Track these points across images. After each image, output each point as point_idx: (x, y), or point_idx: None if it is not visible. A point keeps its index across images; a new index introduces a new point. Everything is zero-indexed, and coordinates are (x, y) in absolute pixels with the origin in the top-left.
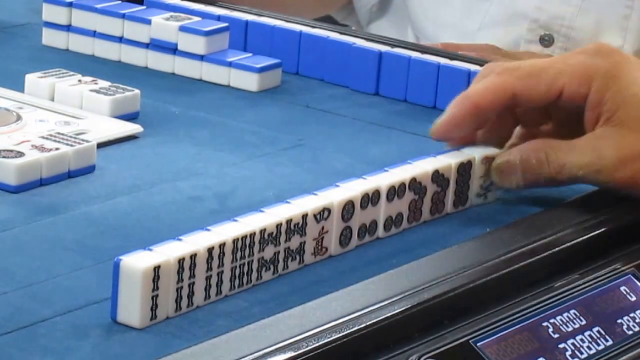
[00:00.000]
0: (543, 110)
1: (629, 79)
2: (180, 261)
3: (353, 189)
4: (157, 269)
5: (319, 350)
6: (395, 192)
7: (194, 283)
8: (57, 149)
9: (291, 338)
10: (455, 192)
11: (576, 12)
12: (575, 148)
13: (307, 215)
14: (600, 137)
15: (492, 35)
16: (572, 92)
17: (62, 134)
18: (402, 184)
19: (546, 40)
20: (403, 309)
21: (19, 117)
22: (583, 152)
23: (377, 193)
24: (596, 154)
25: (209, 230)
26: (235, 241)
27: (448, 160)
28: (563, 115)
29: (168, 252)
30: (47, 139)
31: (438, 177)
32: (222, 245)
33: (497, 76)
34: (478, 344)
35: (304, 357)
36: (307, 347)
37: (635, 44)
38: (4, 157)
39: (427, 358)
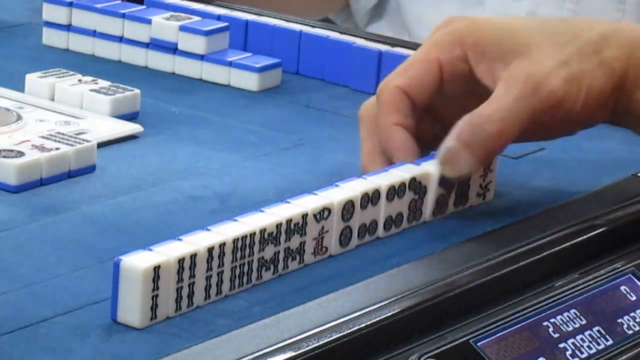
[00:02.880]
0: (430, 115)
1: (491, 21)
2: (181, 261)
3: (353, 188)
4: (157, 268)
5: (319, 350)
6: (395, 191)
7: (194, 283)
8: (57, 148)
9: (291, 338)
10: (455, 192)
11: (569, 14)
12: (499, 94)
13: (307, 215)
14: (512, 72)
15: None
16: (449, 60)
17: (63, 134)
18: (402, 184)
19: None
20: (403, 309)
21: (19, 117)
22: (509, 89)
23: (377, 193)
24: (521, 81)
25: (209, 230)
26: (235, 241)
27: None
28: (451, 108)
29: (168, 252)
30: (47, 138)
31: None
32: (222, 245)
33: (379, 96)
34: (478, 344)
35: (304, 357)
36: (307, 347)
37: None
38: (4, 157)
39: (427, 358)
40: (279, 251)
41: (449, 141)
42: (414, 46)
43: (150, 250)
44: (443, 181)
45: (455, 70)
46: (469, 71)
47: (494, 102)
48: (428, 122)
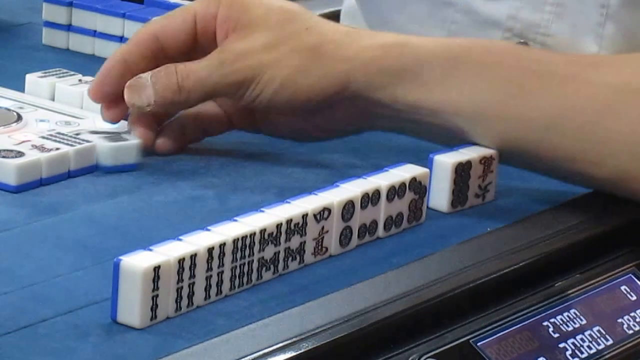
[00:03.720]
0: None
1: None
2: (181, 261)
3: (353, 189)
4: (157, 269)
5: (319, 350)
6: (395, 191)
7: (194, 283)
8: (57, 148)
9: (291, 338)
10: (453, 192)
11: (551, 18)
12: (203, 58)
13: (307, 215)
14: (227, 44)
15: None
16: (203, 14)
17: (63, 134)
18: (403, 184)
19: None
20: (403, 309)
21: (19, 117)
22: (210, 57)
23: (377, 193)
24: (221, 51)
25: (209, 230)
26: (235, 241)
27: (447, 161)
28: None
29: (168, 252)
30: (47, 139)
31: (463, 170)
32: (222, 245)
33: (142, 26)
34: (478, 344)
35: (304, 357)
36: (307, 347)
37: (611, 49)
38: (3, 157)
39: (427, 358)
40: (279, 251)
41: (145, 73)
42: None
43: (150, 250)
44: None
45: (207, 26)
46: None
47: (194, 63)
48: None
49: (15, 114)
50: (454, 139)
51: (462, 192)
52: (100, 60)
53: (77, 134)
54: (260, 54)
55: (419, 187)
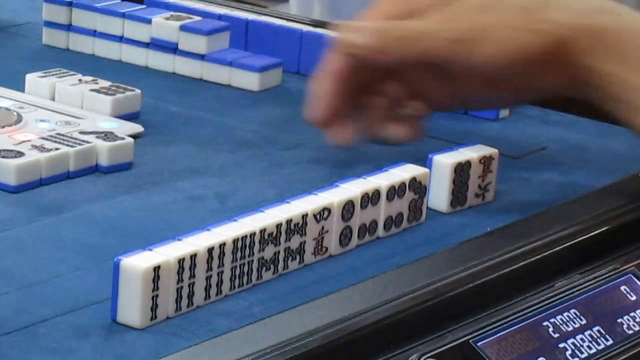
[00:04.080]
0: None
1: None
2: (180, 261)
3: (353, 189)
4: (157, 269)
5: (319, 350)
6: (395, 191)
7: (194, 283)
8: (57, 149)
9: (291, 338)
10: (453, 192)
11: None
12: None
13: (307, 215)
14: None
15: None
16: None
17: (62, 134)
18: (402, 184)
19: None
20: (403, 309)
21: (19, 117)
22: (429, 17)
23: (377, 193)
24: (438, 13)
25: (209, 230)
26: (235, 241)
27: (446, 161)
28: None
29: (168, 252)
30: (47, 139)
31: (462, 170)
32: (222, 246)
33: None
34: (478, 344)
35: (304, 357)
36: (307, 347)
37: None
38: (3, 157)
39: (427, 358)
40: (279, 251)
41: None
42: None
43: (150, 250)
44: None
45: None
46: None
47: (415, 22)
48: (393, 86)
49: (15, 114)
50: None
51: (462, 192)
52: (100, 60)
53: (76, 134)
54: (477, 14)
55: (419, 187)
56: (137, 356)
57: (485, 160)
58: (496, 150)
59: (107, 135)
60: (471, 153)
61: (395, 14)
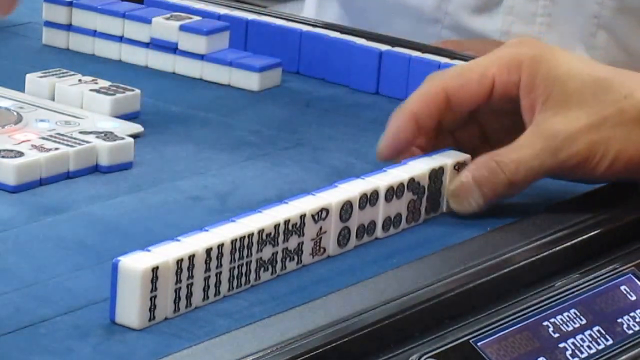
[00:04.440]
0: (475, 124)
1: (557, 60)
2: (179, 262)
3: (351, 189)
4: (155, 270)
5: (319, 350)
6: (394, 192)
7: (192, 284)
8: (56, 149)
9: (291, 338)
10: (427, 199)
11: (543, 30)
12: (523, 143)
13: (305, 215)
14: (543, 123)
15: None
16: (503, 82)
17: (62, 134)
18: (401, 184)
19: None
20: (403, 309)
21: (19, 117)
22: (532, 142)
23: (375, 193)
24: (546, 137)
25: (207, 231)
26: (233, 242)
27: (444, 160)
28: (495, 124)
29: (166, 253)
30: (47, 139)
31: (436, 176)
32: (220, 246)
33: (428, 81)
34: (478, 344)
35: (304, 357)
36: (307, 347)
37: (603, 59)
38: (3, 157)
39: (427, 358)
40: (277, 252)
41: (464, 175)
42: (414, 46)
43: (149, 251)
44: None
45: (506, 93)
46: (517, 97)
47: (514, 151)
48: (470, 132)
49: (15, 113)
50: None
51: (435, 199)
52: (100, 60)
53: (76, 134)
54: (588, 134)
55: (417, 188)
56: (137, 356)
57: (460, 166)
58: (469, 156)
59: (107, 135)
60: (445, 159)
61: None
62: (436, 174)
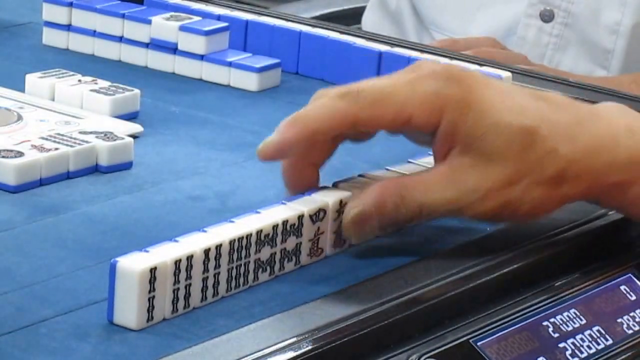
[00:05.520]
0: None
1: (485, 106)
2: (177, 263)
3: (349, 189)
4: (153, 270)
5: (319, 350)
6: None
7: (190, 284)
8: (56, 149)
9: (291, 338)
10: None
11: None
12: (433, 185)
13: (303, 216)
14: (458, 170)
15: (492, 14)
16: (421, 122)
17: (62, 134)
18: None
19: (546, 16)
20: (403, 309)
21: (19, 117)
22: (443, 188)
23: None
24: (457, 189)
25: (205, 231)
26: (231, 242)
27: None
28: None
29: (164, 254)
30: (47, 139)
31: None
32: (218, 247)
33: (339, 100)
34: (478, 344)
35: (304, 357)
36: (307, 347)
37: (634, 18)
38: (3, 157)
39: (427, 358)
40: (275, 252)
41: (367, 203)
42: (413, 46)
43: (147, 251)
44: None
45: (421, 129)
46: (434, 134)
47: (422, 193)
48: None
49: (15, 114)
50: None
51: None
52: (100, 60)
53: (76, 134)
54: (502, 192)
55: None
56: (137, 356)
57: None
58: None
59: (107, 135)
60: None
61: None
62: None
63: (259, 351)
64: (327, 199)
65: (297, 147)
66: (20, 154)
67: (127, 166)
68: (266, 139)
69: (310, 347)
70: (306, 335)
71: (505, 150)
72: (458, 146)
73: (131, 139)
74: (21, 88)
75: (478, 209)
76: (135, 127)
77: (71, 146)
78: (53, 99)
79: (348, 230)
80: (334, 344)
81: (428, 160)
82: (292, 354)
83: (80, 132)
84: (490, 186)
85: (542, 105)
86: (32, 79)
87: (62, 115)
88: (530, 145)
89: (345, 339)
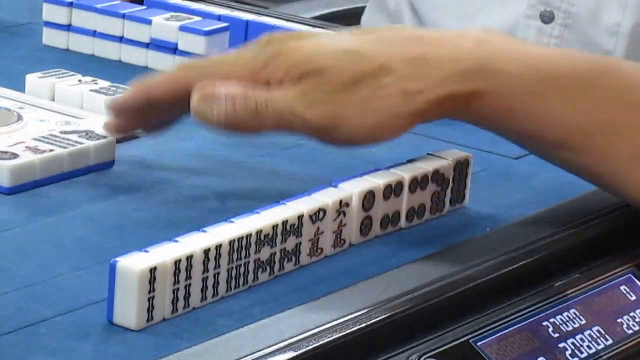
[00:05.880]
0: None
1: (303, 39)
2: (177, 263)
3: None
4: (153, 270)
5: (319, 350)
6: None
7: (190, 285)
8: (51, 150)
9: (291, 338)
10: (452, 191)
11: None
12: (281, 88)
13: (302, 216)
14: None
15: (492, 15)
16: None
17: (56, 136)
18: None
19: (546, 17)
20: (403, 309)
21: (19, 117)
22: (290, 90)
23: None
24: (303, 91)
25: (205, 231)
26: (231, 243)
27: (446, 159)
28: None
29: (164, 254)
30: (41, 140)
31: (437, 176)
32: (218, 247)
33: (177, 69)
34: (478, 344)
35: (304, 357)
36: (307, 347)
37: (634, 19)
38: None
39: (427, 358)
40: (275, 252)
41: (217, 85)
42: None
43: (147, 252)
44: None
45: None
46: None
47: (269, 91)
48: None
49: (15, 114)
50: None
51: (460, 191)
52: (100, 60)
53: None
54: (329, 103)
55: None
56: (137, 356)
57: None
58: (470, 154)
59: (89, 134)
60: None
61: (249, 77)
62: (461, 166)
63: (259, 351)
64: (327, 199)
65: (134, 109)
66: (14, 155)
67: (109, 165)
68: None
69: (310, 347)
70: (306, 335)
71: (332, 64)
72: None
73: (113, 138)
74: (21, 88)
75: (313, 113)
76: None
77: (65, 148)
78: (53, 99)
79: (195, 105)
80: (334, 344)
81: (427, 160)
82: (292, 354)
83: (61, 132)
84: (322, 96)
85: (376, 39)
86: (32, 79)
87: (62, 116)
88: (361, 60)
89: (345, 339)
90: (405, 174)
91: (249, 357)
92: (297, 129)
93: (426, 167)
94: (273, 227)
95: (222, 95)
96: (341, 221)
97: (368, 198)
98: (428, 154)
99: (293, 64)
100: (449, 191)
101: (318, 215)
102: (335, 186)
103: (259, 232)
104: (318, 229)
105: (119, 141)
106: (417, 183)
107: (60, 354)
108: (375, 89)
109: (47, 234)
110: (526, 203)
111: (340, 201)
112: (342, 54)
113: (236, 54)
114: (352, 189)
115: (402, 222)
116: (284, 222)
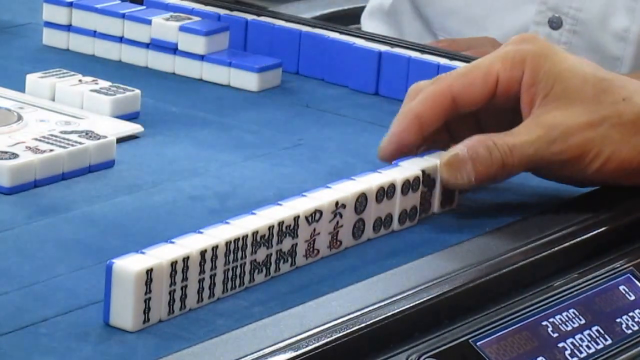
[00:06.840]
0: (473, 121)
1: (560, 57)
2: (173, 264)
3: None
4: (149, 272)
5: (319, 350)
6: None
7: (186, 286)
8: (51, 150)
9: (291, 338)
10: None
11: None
12: (520, 131)
13: (299, 217)
14: (542, 115)
15: (500, 20)
16: (507, 78)
17: (56, 136)
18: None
19: (554, 23)
20: (403, 309)
21: (20, 117)
22: (529, 130)
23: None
24: (543, 127)
25: (201, 233)
26: (227, 244)
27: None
28: (493, 120)
29: (161, 255)
30: (41, 140)
31: (426, 177)
32: (214, 248)
33: (433, 84)
34: (478, 344)
35: (304, 357)
36: (307, 347)
37: None
38: None
39: (427, 358)
40: (271, 254)
41: (460, 148)
42: (413, 46)
43: (143, 253)
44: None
45: (509, 89)
46: (519, 93)
47: (511, 136)
48: (467, 128)
49: (15, 114)
50: None
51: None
52: (100, 60)
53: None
54: (585, 130)
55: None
56: (137, 356)
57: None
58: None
59: (89, 134)
60: (436, 160)
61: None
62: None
63: (258, 351)
64: (323, 199)
65: (410, 138)
66: (14, 155)
67: (110, 164)
68: (382, 140)
69: (310, 347)
70: (306, 335)
71: (583, 92)
72: (540, 94)
73: (113, 138)
74: (21, 88)
75: (565, 145)
76: (136, 127)
77: (65, 148)
78: (53, 99)
79: (443, 172)
80: (334, 344)
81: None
82: (292, 353)
83: (61, 132)
84: (574, 123)
85: (609, 71)
86: (33, 79)
87: (62, 116)
88: (605, 90)
89: (345, 339)
90: (398, 175)
91: (248, 357)
92: (549, 167)
93: (415, 169)
94: (269, 228)
95: (467, 159)
96: (337, 222)
97: (360, 201)
98: (418, 156)
99: (547, 76)
100: (436, 192)
101: (314, 216)
102: (330, 187)
103: (255, 233)
104: (314, 230)
105: (119, 141)
106: (411, 185)
107: (60, 354)
108: (617, 119)
109: (47, 234)
110: (526, 203)
111: (337, 202)
112: (592, 80)
113: (491, 54)
114: (347, 189)
115: (394, 225)
116: (280, 223)
